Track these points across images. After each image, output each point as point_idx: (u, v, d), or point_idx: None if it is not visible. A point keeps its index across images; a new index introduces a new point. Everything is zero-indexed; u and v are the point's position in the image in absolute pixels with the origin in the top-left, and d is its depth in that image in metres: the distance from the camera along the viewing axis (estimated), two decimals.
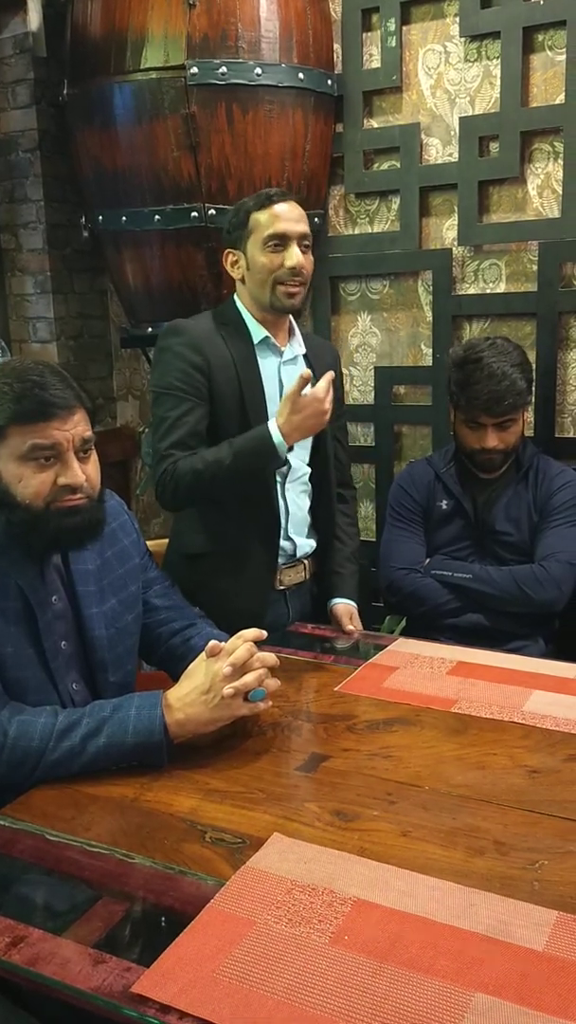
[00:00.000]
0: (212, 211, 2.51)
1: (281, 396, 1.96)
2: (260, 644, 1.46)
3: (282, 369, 1.99)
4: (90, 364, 3.27)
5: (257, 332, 1.95)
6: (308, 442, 2.05)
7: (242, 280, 1.94)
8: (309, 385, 1.76)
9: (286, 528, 2.01)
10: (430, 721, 1.53)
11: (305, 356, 2.05)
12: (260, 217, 1.88)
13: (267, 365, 1.96)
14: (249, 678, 1.40)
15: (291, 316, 2.01)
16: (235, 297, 2.00)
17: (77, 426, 1.38)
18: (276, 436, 1.78)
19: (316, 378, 2.02)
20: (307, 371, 1.74)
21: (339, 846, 1.17)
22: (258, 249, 1.88)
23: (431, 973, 0.94)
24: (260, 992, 0.92)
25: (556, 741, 1.45)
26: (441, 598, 2.24)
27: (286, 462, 1.85)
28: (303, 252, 1.89)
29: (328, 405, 1.78)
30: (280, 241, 1.87)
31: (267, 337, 1.95)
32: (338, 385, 2.17)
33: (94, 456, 1.44)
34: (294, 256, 1.88)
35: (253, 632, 1.45)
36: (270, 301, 1.91)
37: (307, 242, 1.91)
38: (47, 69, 2.92)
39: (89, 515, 1.41)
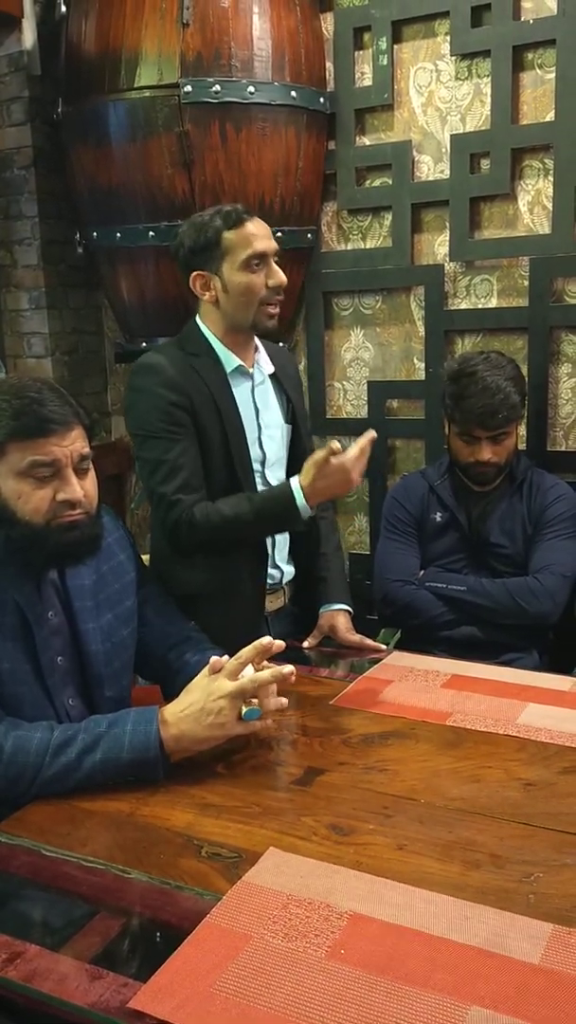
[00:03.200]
0: None
1: (257, 420, 1.94)
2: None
3: (255, 393, 1.96)
4: (85, 379, 3.28)
5: (229, 360, 1.90)
6: (283, 461, 2.03)
7: (215, 302, 1.87)
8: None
9: (273, 557, 2.00)
10: (425, 734, 1.54)
11: (274, 375, 2.01)
12: (233, 237, 1.82)
13: (241, 393, 1.92)
14: (274, 702, 1.43)
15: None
16: (198, 323, 1.93)
17: (75, 442, 1.39)
18: (300, 500, 1.75)
19: (283, 389, 2.02)
20: (336, 444, 1.70)
21: (335, 860, 1.17)
22: (238, 270, 1.82)
23: (427, 987, 0.94)
24: (257, 1007, 0.92)
25: (551, 754, 1.45)
26: (436, 610, 2.25)
27: (307, 521, 1.83)
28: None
29: (357, 475, 1.75)
30: (260, 260, 1.83)
31: (240, 365, 1.91)
32: (299, 397, 2.13)
33: (92, 472, 1.45)
34: (277, 274, 1.85)
35: (251, 651, 1.43)
36: (253, 322, 1.87)
37: (277, 257, 1.88)
38: (42, 87, 2.94)
39: (88, 530, 1.42)
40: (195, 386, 1.85)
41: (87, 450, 1.41)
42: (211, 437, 1.87)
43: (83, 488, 1.40)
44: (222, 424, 1.87)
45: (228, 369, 1.91)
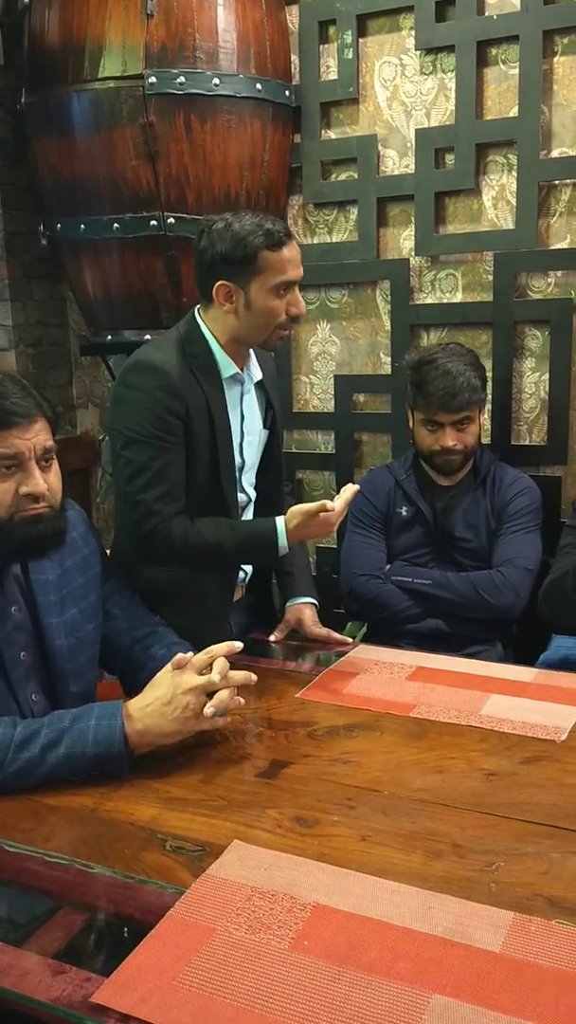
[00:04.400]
0: (171, 220, 2.51)
1: (241, 427, 1.94)
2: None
3: (243, 400, 1.95)
4: (49, 372, 3.25)
5: (227, 367, 1.87)
6: (256, 466, 2.03)
7: (233, 313, 1.83)
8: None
9: None
10: (390, 726, 1.55)
11: (260, 383, 2.00)
12: (272, 259, 1.78)
13: (231, 398, 1.90)
14: (224, 695, 1.41)
15: None
16: (200, 322, 1.88)
17: (38, 435, 1.38)
18: (282, 541, 1.80)
19: (266, 395, 2.01)
20: (330, 503, 1.76)
21: (299, 852, 1.18)
22: (266, 292, 1.79)
23: (390, 976, 0.95)
24: (220, 999, 0.92)
25: (512, 744, 1.47)
26: (401, 604, 2.27)
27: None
28: None
29: (335, 528, 1.83)
30: (288, 287, 1.82)
31: (235, 373, 1.89)
32: (279, 402, 2.12)
33: (56, 465, 1.44)
34: (300, 303, 1.84)
35: (224, 647, 1.44)
36: (264, 342, 1.87)
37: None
38: (5, 77, 2.91)
39: (51, 524, 1.41)
40: (193, 392, 1.82)
41: (50, 443, 1.41)
42: (199, 442, 1.85)
43: (47, 481, 1.40)
44: (213, 431, 1.86)
45: (224, 375, 1.88)
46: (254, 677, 1.47)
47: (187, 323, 1.91)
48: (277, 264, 1.79)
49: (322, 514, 1.77)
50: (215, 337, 1.87)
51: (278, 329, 1.85)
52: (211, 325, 1.87)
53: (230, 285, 1.81)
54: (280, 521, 1.80)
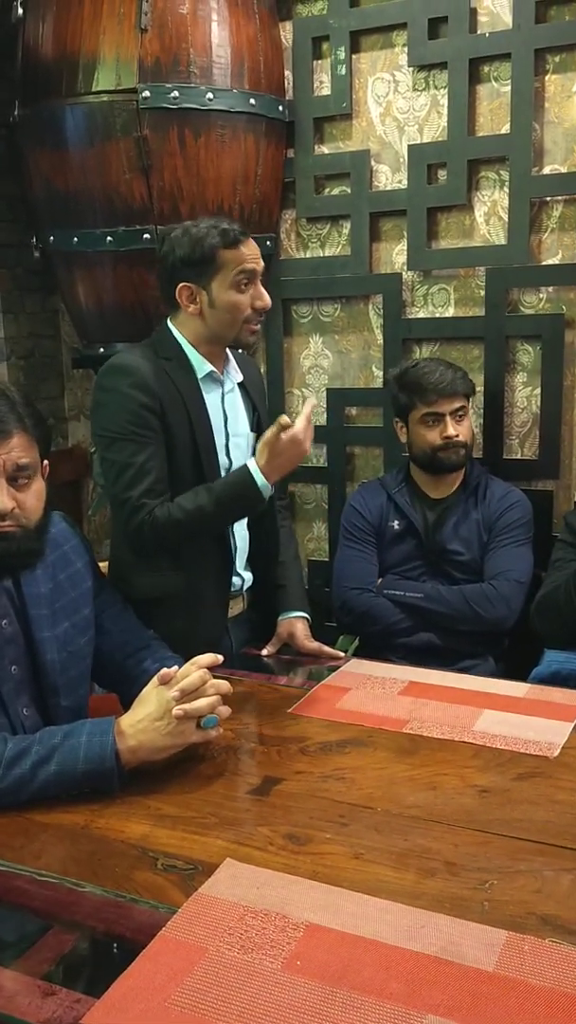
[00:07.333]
0: None
1: (225, 428, 1.95)
2: (213, 670, 1.45)
3: (225, 400, 1.96)
4: (41, 384, 3.25)
5: (201, 366, 1.91)
6: None
7: (199, 315, 1.88)
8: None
9: (235, 565, 2.00)
10: (382, 742, 1.54)
11: (242, 384, 2.02)
12: (229, 256, 1.83)
13: (211, 398, 1.92)
14: (201, 703, 1.39)
15: None
16: (171, 328, 1.93)
17: (12, 451, 1.36)
18: (259, 479, 1.79)
19: (250, 398, 2.03)
20: (285, 418, 1.75)
21: (292, 870, 1.17)
22: (227, 288, 1.84)
23: (383, 996, 0.94)
24: (212, 1020, 0.91)
25: (505, 760, 1.46)
26: (393, 617, 2.27)
27: (268, 501, 1.86)
28: None
29: (308, 444, 1.81)
30: (249, 280, 1.86)
31: (211, 371, 1.92)
32: (264, 406, 2.13)
33: (36, 485, 1.42)
34: (264, 296, 1.88)
35: (208, 658, 1.44)
36: (235, 339, 1.90)
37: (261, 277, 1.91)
38: None
39: (19, 544, 1.39)
40: (166, 389, 1.86)
41: (25, 460, 1.38)
42: (180, 441, 1.87)
43: (19, 499, 1.37)
44: (192, 429, 1.88)
45: (200, 374, 1.91)
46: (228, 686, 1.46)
47: (159, 331, 1.96)
48: (234, 259, 1.84)
49: (286, 435, 1.76)
50: (187, 340, 1.91)
51: (246, 324, 1.88)
52: (181, 330, 1.92)
53: (192, 286, 1.86)
54: (251, 462, 1.81)
